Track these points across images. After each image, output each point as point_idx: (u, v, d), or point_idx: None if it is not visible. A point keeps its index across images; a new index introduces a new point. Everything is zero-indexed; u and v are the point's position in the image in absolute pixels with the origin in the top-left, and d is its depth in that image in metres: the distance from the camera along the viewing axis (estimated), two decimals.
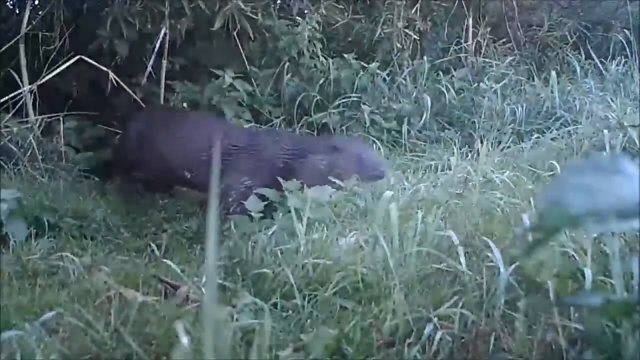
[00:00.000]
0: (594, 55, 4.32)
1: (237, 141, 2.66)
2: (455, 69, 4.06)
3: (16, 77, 3.10)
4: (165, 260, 1.95)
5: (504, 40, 4.56)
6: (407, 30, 4.05)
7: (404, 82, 3.87)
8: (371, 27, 4.08)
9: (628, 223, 0.64)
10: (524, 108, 3.58)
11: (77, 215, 2.42)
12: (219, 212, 2.52)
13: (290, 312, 1.63)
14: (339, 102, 3.59)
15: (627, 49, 4.35)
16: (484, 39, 4.41)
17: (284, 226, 2.07)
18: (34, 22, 3.24)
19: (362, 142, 2.95)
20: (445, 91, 3.76)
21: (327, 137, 3.01)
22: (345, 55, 3.76)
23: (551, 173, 2.61)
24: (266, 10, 3.57)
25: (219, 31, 3.38)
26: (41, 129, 3.11)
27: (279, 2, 3.89)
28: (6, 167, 2.78)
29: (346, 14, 4.08)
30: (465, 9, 4.38)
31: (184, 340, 1.09)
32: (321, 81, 3.64)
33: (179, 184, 2.90)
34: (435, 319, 1.44)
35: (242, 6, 3.29)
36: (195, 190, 2.89)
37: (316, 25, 3.62)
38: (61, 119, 3.12)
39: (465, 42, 4.35)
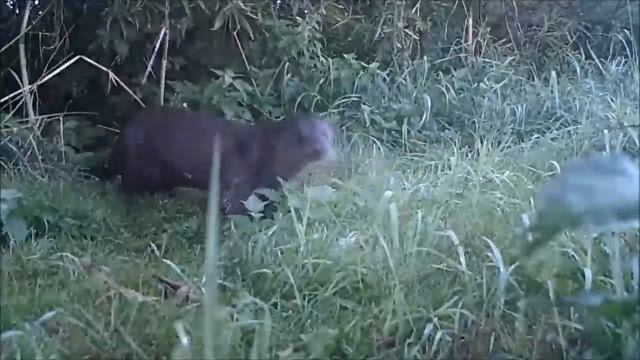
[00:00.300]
0: (594, 55, 4.32)
1: (227, 139, 2.64)
2: (455, 69, 4.07)
3: (16, 77, 3.10)
4: (165, 260, 1.95)
5: (504, 40, 4.57)
6: (407, 30, 4.06)
7: (404, 82, 3.87)
8: (371, 27, 4.08)
9: (628, 223, 0.64)
10: (524, 108, 3.58)
11: (77, 215, 2.42)
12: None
13: (290, 312, 1.63)
14: (339, 102, 3.59)
15: (627, 49, 4.35)
16: (484, 39, 4.42)
17: (284, 226, 2.07)
18: (34, 22, 3.24)
19: (316, 120, 2.78)
20: (445, 91, 3.76)
21: (290, 122, 2.90)
22: (345, 55, 3.76)
23: (551, 173, 2.61)
24: (266, 10, 3.57)
25: (219, 31, 3.38)
26: (41, 129, 3.10)
27: (279, 2, 3.89)
28: (6, 167, 2.78)
29: (346, 14, 4.09)
30: (465, 9, 4.38)
31: (184, 340, 1.09)
32: (321, 81, 3.64)
33: (180, 185, 2.90)
34: (435, 319, 1.44)
35: (242, 6, 3.29)
36: (196, 189, 2.89)
37: (316, 25, 3.62)
38: (61, 119, 3.11)
39: (465, 42, 4.35)
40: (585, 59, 4.35)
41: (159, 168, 2.77)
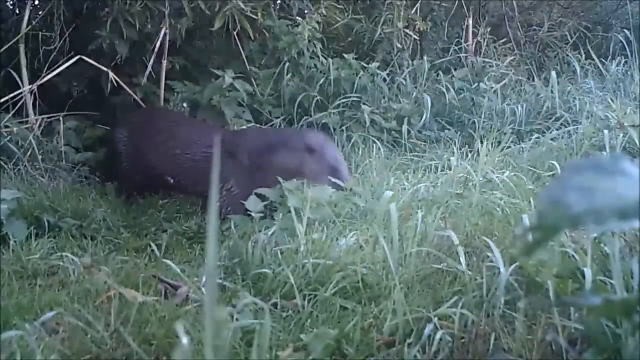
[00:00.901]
0: (594, 55, 4.33)
1: (210, 144, 2.63)
2: (455, 69, 4.07)
3: (16, 77, 3.10)
4: (165, 260, 1.95)
5: (504, 40, 4.57)
6: (407, 30, 4.06)
7: (404, 82, 3.87)
8: (371, 27, 4.08)
9: (628, 223, 0.64)
10: (524, 108, 3.58)
11: (77, 215, 2.42)
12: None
13: (290, 312, 1.63)
14: (339, 102, 3.59)
15: (627, 49, 4.36)
16: (484, 39, 4.42)
17: (284, 226, 2.07)
18: (34, 22, 3.24)
19: (333, 144, 2.84)
20: (445, 91, 3.76)
21: (295, 132, 2.88)
22: (345, 55, 3.76)
23: (551, 173, 2.61)
24: (266, 10, 3.57)
25: (219, 31, 3.38)
26: (41, 129, 3.10)
27: (279, 2, 3.89)
28: (6, 167, 2.78)
29: (346, 14, 4.09)
30: (465, 9, 4.39)
31: (184, 340, 1.09)
32: (321, 81, 3.64)
33: (167, 189, 2.89)
34: (435, 319, 1.44)
35: (242, 6, 3.29)
36: (186, 195, 2.88)
37: (316, 25, 3.61)
38: (61, 119, 3.11)
39: (465, 42, 4.36)
40: (585, 59, 4.35)
41: (146, 171, 2.77)
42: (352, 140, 3.34)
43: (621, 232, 1.59)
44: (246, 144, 2.62)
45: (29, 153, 2.91)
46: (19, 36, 3.11)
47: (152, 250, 2.15)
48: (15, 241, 2.07)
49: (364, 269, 1.71)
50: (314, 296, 1.66)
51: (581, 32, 4.82)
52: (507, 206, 2.17)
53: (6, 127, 2.93)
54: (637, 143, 2.76)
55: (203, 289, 1.69)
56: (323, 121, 3.47)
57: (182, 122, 2.93)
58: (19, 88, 3.09)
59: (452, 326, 1.43)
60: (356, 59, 3.77)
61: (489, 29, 4.50)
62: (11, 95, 3.06)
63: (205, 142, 2.65)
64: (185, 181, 2.66)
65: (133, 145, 2.81)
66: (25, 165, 2.85)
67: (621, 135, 2.83)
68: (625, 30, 4.60)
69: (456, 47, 4.35)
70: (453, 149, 3.06)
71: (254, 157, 2.58)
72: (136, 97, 3.29)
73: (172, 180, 2.70)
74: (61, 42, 3.28)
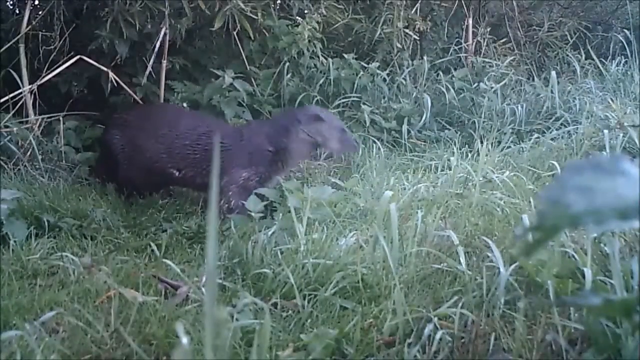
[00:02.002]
0: (594, 55, 4.33)
1: (223, 136, 2.67)
2: (455, 69, 4.07)
3: (16, 77, 3.10)
4: (165, 260, 1.95)
5: (504, 40, 4.57)
6: (407, 30, 4.05)
7: (404, 82, 3.87)
8: (371, 27, 4.08)
9: (628, 223, 0.64)
10: (524, 108, 3.58)
11: (77, 215, 2.42)
12: (220, 209, 2.54)
13: (290, 312, 1.63)
14: (339, 102, 3.59)
15: (627, 49, 4.36)
16: (484, 39, 4.42)
17: (284, 226, 2.07)
18: (34, 22, 3.24)
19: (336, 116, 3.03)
20: (445, 91, 3.76)
21: (301, 109, 2.98)
22: (345, 55, 3.76)
23: (551, 173, 2.61)
24: (266, 10, 3.57)
25: (219, 31, 3.38)
26: (41, 129, 3.10)
27: (279, 2, 3.89)
28: (6, 167, 2.78)
29: (346, 14, 4.08)
30: (465, 9, 4.38)
31: (184, 340, 1.09)
32: (321, 81, 3.64)
33: (170, 184, 2.88)
34: (435, 319, 1.44)
35: (242, 6, 3.29)
36: (190, 189, 2.88)
37: (316, 25, 3.61)
38: (61, 119, 3.11)
39: (465, 42, 4.36)
40: (585, 59, 4.36)
41: (148, 167, 2.76)
42: None
43: (621, 232, 1.59)
44: (264, 131, 2.69)
45: (29, 153, 2.90)
46: (19, 36, 3.11)
47: (152, 250, 2.15)
48: (15, 241, 2.07)
49: (364, 269, 1.71)
50: (314, 296, 1.66)
51: (581, 32, 4.82)
52: (507, 206, 2.17)
53: (6, 127, 2.92)
54: (637, 143, 2.76)
55: (203, 289, 1.69)
56: None
57: (183, 114, 2.93)
58: (19, 88, 3.08)
59: (452, 326, 1.43)
60: (356, 59, 3.77)
61: (489, 29, 4.49)
62: (11, 95, 3.06)
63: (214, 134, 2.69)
64: (193, 172, 2.68)
65: (130, 143, 2.80)
66: (25, 165, 2.85)
67: (621, 135, 2.83)
68: (625, 30, 4.60)
69: (456, 47, 4.35)
70: (453, 149, 3.05)
71: (275, 143, 2.66)
72: (136, 97, 3.29)
73: (177, 174, 2.71)
74: (61, 42, 3.28)
